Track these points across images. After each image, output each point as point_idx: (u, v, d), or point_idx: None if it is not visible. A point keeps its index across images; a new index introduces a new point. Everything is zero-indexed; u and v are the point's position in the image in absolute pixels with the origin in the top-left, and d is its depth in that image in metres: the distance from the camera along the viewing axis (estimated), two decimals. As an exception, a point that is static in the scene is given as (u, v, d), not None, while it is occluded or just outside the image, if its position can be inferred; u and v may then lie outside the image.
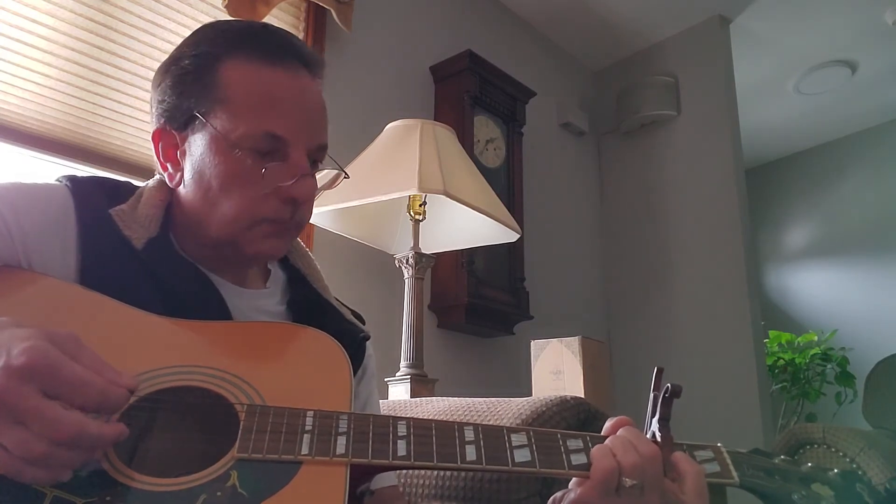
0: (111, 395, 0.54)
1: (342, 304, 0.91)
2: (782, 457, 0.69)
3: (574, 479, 0.67)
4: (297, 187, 0.74)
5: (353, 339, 0.83)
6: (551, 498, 0.71)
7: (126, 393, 0.56)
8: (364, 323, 0.91)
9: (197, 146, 0.74)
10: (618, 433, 0.68)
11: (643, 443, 0.66)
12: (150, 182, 0.81)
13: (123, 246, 0.73)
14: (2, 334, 0.53)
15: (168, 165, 0.78)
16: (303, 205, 0.77)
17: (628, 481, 0.63)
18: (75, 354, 0.54)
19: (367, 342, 0.89)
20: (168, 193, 0.80)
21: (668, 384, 0.68)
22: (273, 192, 0.74)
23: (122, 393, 0.56)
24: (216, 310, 0.75)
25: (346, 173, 0.86)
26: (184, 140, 0.76)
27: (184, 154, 0.76)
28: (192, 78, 0.75)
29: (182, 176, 0.77)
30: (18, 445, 0.50)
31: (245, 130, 0.72)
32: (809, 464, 0.69)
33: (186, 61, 0.76)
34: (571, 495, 0.67)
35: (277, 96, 0.74)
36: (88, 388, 0.53)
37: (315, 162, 0.78)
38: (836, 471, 0.66)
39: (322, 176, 0.83)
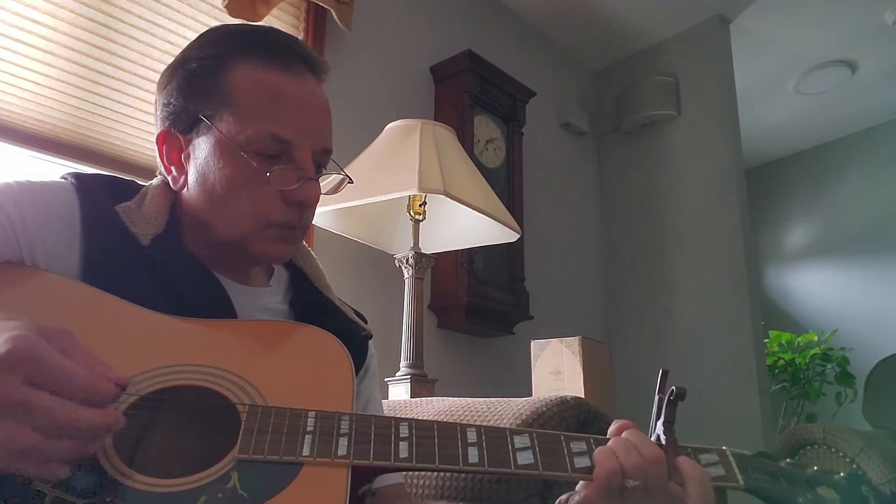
0: (98, 389, 0.54)
1: (344, 303, 0.91)
2: (787, 460, 0.69)
3: (581, 482, 0.67)
4: (303, 191, 0.74)
5: (355, 339, 0.83)
6: (557, 500, 0.71)
7: (115, 388, 0.55)
8: (366, 322, 0.91)
9: (201, 149, 0.75)
10: (622, 435, 0.68)
11: (646, 445, 0.66)
12: (155, 181, 0.82)
13: (128, 242, 0.72)
14: None
15: (172, 168, 0.78)
16: (308, 208, 0.77)
17: (631, 482, 0.63)
18: (65, 348, 0.53)
19: (369, 341, 0.89)
20: (172, 192, 0.80)
21: (674, 387, 0.68)
22: (279, 196, 0.74)
23: (109, 388, 0.55)
24: (221, 307, 0.74)
25: (350, 178, 0.86)
26: (188, 143, 0.76)
27: (188, 157, 0.76)
28: (198, 80, 0.75)
29: (186, 179, 0.77)
30: (6, 439, 0.49)
31: (251, 133, 0.72)
32: (815, 467, 0.68)
33: (193, 64, 0.76)
34: (577, 497, 0.67)
35: (284, 99, 0.74)
36: (73, 381, 0.52)
37: (319, 166, 0.78)
38: (841, 474, 0.66)
39: (327, 182, 0.83)
